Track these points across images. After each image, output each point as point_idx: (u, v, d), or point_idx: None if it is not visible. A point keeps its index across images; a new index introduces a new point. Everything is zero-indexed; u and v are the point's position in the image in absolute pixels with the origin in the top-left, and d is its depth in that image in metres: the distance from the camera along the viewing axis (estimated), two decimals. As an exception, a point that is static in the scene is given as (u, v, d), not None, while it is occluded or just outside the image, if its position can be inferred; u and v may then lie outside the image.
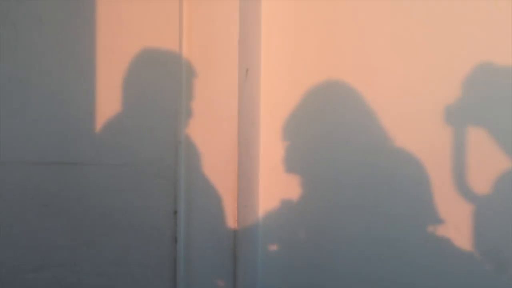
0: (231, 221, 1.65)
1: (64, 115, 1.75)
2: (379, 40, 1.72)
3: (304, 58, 1.79)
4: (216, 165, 1.65)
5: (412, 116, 1.69)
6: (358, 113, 1.73)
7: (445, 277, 1.67)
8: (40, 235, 1.79)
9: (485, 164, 1.63)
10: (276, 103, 1.81)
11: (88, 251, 1.76)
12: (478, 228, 1.64)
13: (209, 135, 1.65)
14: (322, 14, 1.77)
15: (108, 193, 1.73)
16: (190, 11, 1.66)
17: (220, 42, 1.64)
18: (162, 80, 1.68)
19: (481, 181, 1.63)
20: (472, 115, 1.64)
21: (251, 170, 1.76)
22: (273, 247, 1.83)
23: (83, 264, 1.77)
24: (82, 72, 1.74)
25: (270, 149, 1.81)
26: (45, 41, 1.76)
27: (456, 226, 1.66)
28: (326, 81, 1.78)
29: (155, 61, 1.68)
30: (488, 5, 1.63)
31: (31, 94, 1.78)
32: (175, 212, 1.68)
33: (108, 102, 1.72)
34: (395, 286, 1.72)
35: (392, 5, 1.71)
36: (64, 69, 1.75)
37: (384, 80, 1.71)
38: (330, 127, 1.76)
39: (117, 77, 1.71)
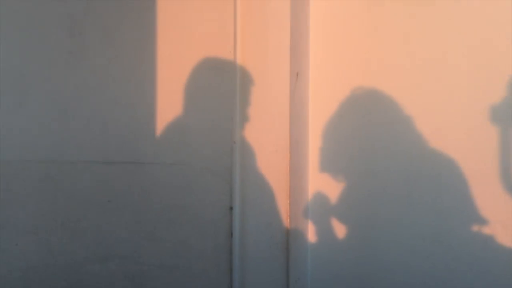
0: (284, 217, 1.74)
1: (128, 118, 1.89)
2: (426, 42, 1.77)
3: (350, 61, 1.86)
4: (269, 164, 1.75)
5: (459, 114, 1.74)
6: (405, 113, 1.79)
7: (491, 274, 1.71)
8: (105, 229, 1.93)
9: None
10: (324, 105, 1.89)
11: (150, 244, 1.89)
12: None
13: (263, 135, 1.75)
14: (369, 19, 1.84)
15: (168, 190, 1.85)
16: (243, 19, 1.77)
17: (273, 48, 1.74)
18: (218, 84, 1.79)
19: (528, 179, 1.67)
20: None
21: (301, 169, 1.85)
22: (323, 242, 1.91)
23: (145, 256, 1.90)
24: (144, 78, 1.87)
25: (319, 148, 1.90)
26: (110, 50, 1.90)
27: (504, 223, 1.70)
28: (372, 84, 1.84)
29: (211, 66, 1.80)
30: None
31: (99, 100, 1.92)
32: (231, 208, 1.78)
33: (168, 106, 1.85)
34: (443, 282, 1.77)
35: (441, 9, 1.76)
36: (128, 76, 1.89)
37: (431, 81, 1.77)
38: (377, 127, 1.83)
39: (176, 82, 1.83)
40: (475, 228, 1.74)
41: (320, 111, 1.90)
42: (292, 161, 1.75)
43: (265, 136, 1.75)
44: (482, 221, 1.73)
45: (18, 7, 1.98)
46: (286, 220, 1.74)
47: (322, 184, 1.89)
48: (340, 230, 1.89)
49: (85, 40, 1.93)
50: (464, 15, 1.74)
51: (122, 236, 1.92)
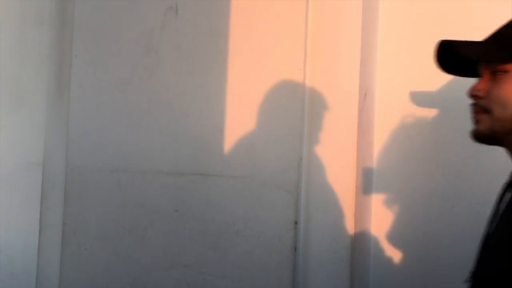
0: (348, 233, 1.77)
1: (198, 132, 1.97)
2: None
3: (417, 80, 1.88)
4: (335, 180, 1.78)
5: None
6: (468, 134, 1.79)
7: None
8: (171, 238, 2.00)
9: None
10: (390, 124, 1.91)
11: (214, 254, 1.94)
12: None
13: (330, 152, 1.79)
14: (436, 40, 1.86)
15: (234, 202, 1.91)
16: (314, 38, 1.82)
17: (342, 66, 1.78)
18: (287, 101, 1.84)
19: None
20: None
21: (367, 187, 1.87)
22: (386, 259, 1.92)
23: (208, 266, 1.95)
24: (214, 94, 1.94)
25: (384, 167, 1.92)
26: (183, 66, 1.99)
27: None
28: (439, 104, 1.86)
29: (281, 84, 1.86)
30: None
31: (168, 112, 2.01)
32: (296, 223, 1.82)
33: (236, 121, 1.91)
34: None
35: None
36: (198, 91, 1.97)
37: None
38: (444, 146, 1.83)
39: (245, 98, 1.90)
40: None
41: (386, 130, 1.92)
42: (358, 178, 1.78)
43: (332, 153, 1.79)
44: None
45: (98, 25, 2.11)
46: (350, 236, 1.76)
47: (387, 202, 1.90)
48: (403, 249, 1.89)
49: (159, 57, 2.03)
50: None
51: (187, 245, 1.98)
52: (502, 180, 1.77)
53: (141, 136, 2.04)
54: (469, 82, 1.81)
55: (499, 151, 1.77)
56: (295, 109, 1.83)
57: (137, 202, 2.04)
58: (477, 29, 1.82)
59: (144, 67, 2.05)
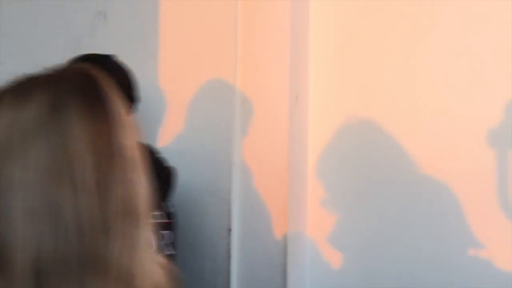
0: (282, 239, 1.75)
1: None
2: (429, 66, 1.80)
3: (350, 84, 1.89)
4: (268, 186, 1.76)
5: (457, 138, 1.75)
6: (405, 137, 1.81)
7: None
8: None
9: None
10: (322, 128, 1.91)
11: (148, 265, 1.89)
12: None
13: (262, 157, 1.77)
14: (369, 45, 1.88)
15: (167, 211, 1.86)
16: (244, 41, 1.80)
17: (272, 70, 1.77)
18: (218, 106, 1.82)
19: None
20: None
21: (300, 191, 1.86)
22: (321, 265, 1.91)
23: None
24: (145, 99, 1.89)
25: (317, 171, 1.91)
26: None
27: (500, 247, 1.70)
28: (372, 107, 1.87)
29: (211, 89, 1.83)
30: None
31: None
32: (230, 230, 1.79)
33: (167, 127, 1.87)
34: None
35: (443, 38, 1.80)
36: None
37: (432, 105, 1.79)
38: (376, 150, 1.85)
39: (176, 104, 1.86)
40: (472, 251, 1.74)
41: (319, 133, 1.92)
42: (291, 182, 1.76)
43: (264, 158, 1.77)
44: (479, 245, 1.73)
45: (24, 30, 2.03)
46: (284, 242, 1.75)
47: (321, 207, 1.90)
48: (338, 253, 1.89)
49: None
50: (461, 40, 1.78)
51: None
52: (433, 179, 1.80)
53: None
54: (414, 86, 1.83)
55: (430, 152, 1.80)
56: (226, 114, 1.81)
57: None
58: (408, 30, 1.85)
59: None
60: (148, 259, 0.54)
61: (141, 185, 0.54)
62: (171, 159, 1.85)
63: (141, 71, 1.90)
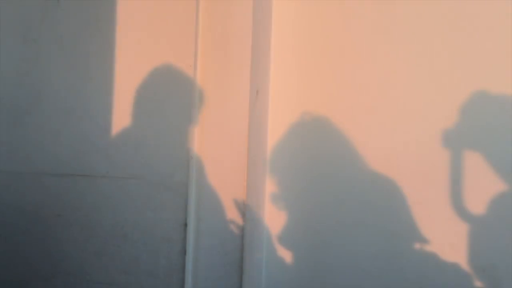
0: (239, 235, 1.72)
1: (80, 130, 1.83)
2: (385, 66, 1.82)
3: (310, 80, 1.89)
4: (226, 180, 1.73)
5: (412, 139, 1.78)
6: (361, 135, 1.83)
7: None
8: (52, 244, 1.86)
9: (480, 185, 1.72)
10: (283, 123, 1.90)
11: (99, 260, 1.82)
12: (473, 245, 1.73)
13: (220, 151, 1.74)
14: (331, 41, 1.88)
15: (121, 205, 1.80)
16: (205, 34, 1.76)
17: (233, 64, 1.73)
18: (176, 98, 1.77)
19: (476, 201, 1.73)
20: (468, 140, 1.74)
21: (258, 186, 1.84)
22: (277, 261, 1.90)
23: (93, 273, 1.83)
24: (100, 89, 1.82)
25: (277, 166, 1.90)
26: (65, 58, 1.85)
27: (452, 244, 1.75)
28: (331, 103, 1.87)
29: (170, 80, 1.77)
30: (488, 34, 1.74)
31: (49, 109, 1.86)
32: (185, 225, 1.75)
33: (123, 119, 1.80)
34: (393, 301, 1.79)
35: (397, 36, 1.82)
36: (82, 86, 1.84)
37: (387, 104, 1.81)
38: (334, 147, 1.85)
39: (133, 95, 1.79)
40: (426, 249, 1.78)
41: (278, 129, 1.91)
42: (249, 178, 1.74)
43: (222, 152, 1.73)
44: (432, 243, 1.77)
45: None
46: (240, 238, 1.72)
47: (279, 203, 1.89)
48: (294, 250, 1.88)
49: (39, 48, 1.87)
50: (413, 41, 1.80)
51: (70, 251, 1.84)
52: (386, 177, 1.82)
53: (19, 133, 1.87)
54: (361, 82, 1.85)
55: (385, 150, 1.82)
56: (185, 107, 1.76)
57: (14, 206, 1.87)
58: (366, 29, 1.86)
59: (22, 58, 1.88)
60: None
61: None
62: (128, 153, 1.79)
63: (96, 60, 1.83)
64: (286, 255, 1.89)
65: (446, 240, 1.75)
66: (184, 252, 1.75)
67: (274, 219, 1.90)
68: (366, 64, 1.83)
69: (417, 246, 1.78)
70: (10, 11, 1.89)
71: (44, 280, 1.86)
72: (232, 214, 1.73)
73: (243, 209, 1.72)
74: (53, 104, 1.85)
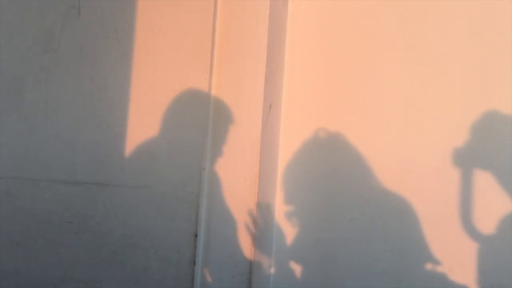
0: (248, 247, 1.74)
1: (96, 138, 1.86)
2: (399, 83, 1.84)
3: (323, 95, 1.91)
4: (237, 193, 1.75)
5: (423, 157, 1.79)
6: (372, 151, 1.84)
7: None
8: (63, 251, 1.87)
9: (490, 204, 1.73)
10: (295, 137, 1.92)
11: (110, 268, 1.84)
12: (481, 265, 1.73)
13: (233, 164, 1.76)
14: (344, 57, 1.90)
15: (132, 214, 1.82)
16: (221, 49, 1.79)
17: (248, 78, 1.76)
18: (191, 111, 1.79)
19: (486, 220, 1.73)
20: (479, 158, 1.75)
21: (269, 200, 1.86)
22: (285, 275, 1.91)
23: (103, 281, 1.84)
24: (117, 100, 1.85)
25: (288, 180, 1.92)
26: (84, 69, 1.89)
27: (461, 263, 1.75)
28: (343, 119, 1.89)
29: (185, 93, 1.80)
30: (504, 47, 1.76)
31: (67, 118, 1.89)
32: (196, 235, 1.77)
33: (137, 129, 1.83)
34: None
35: (414, 56, 1.84)
36: (100, 96, 1.87)
37: (400, 122, 1.83)
38: (345, 162, 1.87)
39: (149, 107, 1.82)
40: (434, 267, 1.78)
41: (290, 143, 1.93)
42: (260, 192, 1.76)
43: (235, 166, 1.76)
44: (441, 261, 1.77)
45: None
46: (250, 251, 1.74)
47: (288, 217, 1.90)
48: (303, 265, 1.89)
49: (58, 57, 1.91)
50: (427, 56, 1.82)
51: (81, 259, 1.86)
52: (397, 195, 1.83)
53: (35, 140, 1.90)
54: (385, 103, 1.86)
55: (398, 167, 1.83)
56: (199, 120, 1.78)
57: (28, 212, 1.89)
58: (381, 46, 1.88)
59: (42, 67, 1.92)
60: None
61: None
62: (142, 163, 1.81)
63: (113, 70, 1.86)
64: (294, 269, 1.90)
65: (456, 260, 1.75)
66: (193, 262, 1.76)
67: (283, 232, 1.91)
68: (380, 81, 1.86)
69: (426, 263, 1.78)
70: (31, 21, 1.93)
71: (54, 287, 1.88)
72: (242, 226, 1.74)
73: (253, 221, 1.73)
74: (70, 112, 1.89)
